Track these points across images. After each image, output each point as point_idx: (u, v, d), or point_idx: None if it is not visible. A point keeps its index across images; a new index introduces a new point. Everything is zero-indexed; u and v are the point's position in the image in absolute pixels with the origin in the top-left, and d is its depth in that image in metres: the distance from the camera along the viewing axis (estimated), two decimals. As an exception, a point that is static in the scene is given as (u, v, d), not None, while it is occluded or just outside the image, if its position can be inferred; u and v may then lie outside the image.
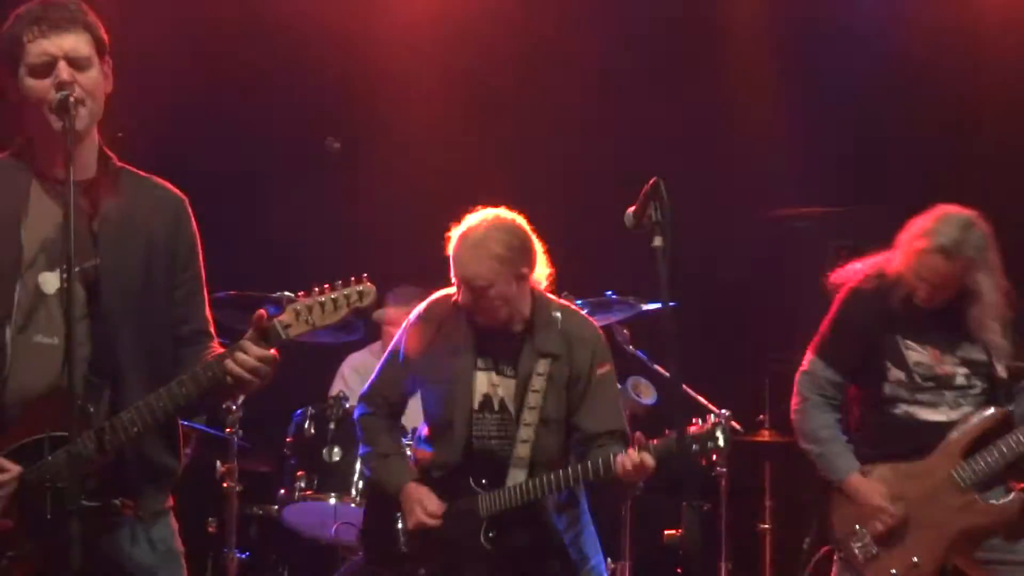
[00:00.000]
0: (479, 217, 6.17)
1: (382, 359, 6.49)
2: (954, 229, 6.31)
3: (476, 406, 6.19)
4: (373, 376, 6.45)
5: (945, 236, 6.29)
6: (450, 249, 6.10)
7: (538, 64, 8.99)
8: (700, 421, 5.68)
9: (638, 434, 5.80)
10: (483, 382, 6.21)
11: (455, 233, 6.13)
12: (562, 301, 6.37)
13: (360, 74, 8.75)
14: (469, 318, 6.18)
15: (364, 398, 6.44)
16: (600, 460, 5.84)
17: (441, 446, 6.22)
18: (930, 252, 6.29)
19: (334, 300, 4.64)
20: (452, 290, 6.23)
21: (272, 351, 4.59)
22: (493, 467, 6.12)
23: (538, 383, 6.14)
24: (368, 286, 4.68)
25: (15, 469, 4.55)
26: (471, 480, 6.09)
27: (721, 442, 5.68)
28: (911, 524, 6.32)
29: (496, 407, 6.20)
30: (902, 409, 6.40)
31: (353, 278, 4.66)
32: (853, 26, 9.11)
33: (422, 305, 6.39)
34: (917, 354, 6.38)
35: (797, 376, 6.57)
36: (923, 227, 6.36)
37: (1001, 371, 6.40)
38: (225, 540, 7.49)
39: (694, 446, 5.66)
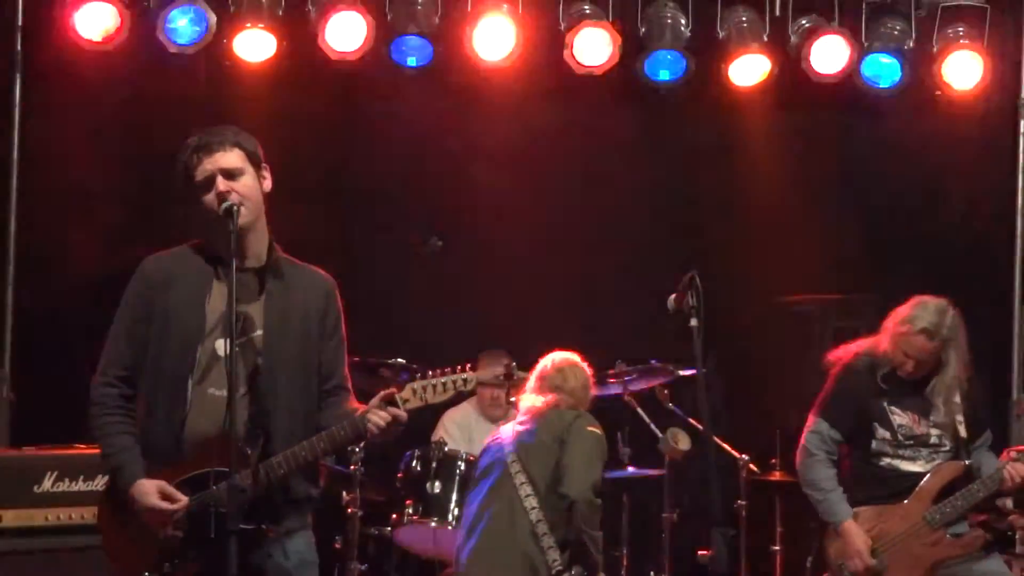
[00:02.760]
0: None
1: None
2: (933, 314, 6.32)
3: None
4: None
5: (926, 321, 6.30)
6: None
7: (599, 177, 9.04)
8: None
9: None
10: None
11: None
12: None
13: (460, 184, 8.80)
14: None
15: None
16: None
17: None
18: (915, 334, 6.30)
19: (444, 383, 4.80)
20: None
21: (403, 414, 4.74)
22: None
23: None
24: (470, 374, 4.85)
25: (184, 500, 4.66)
26: None
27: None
28: (894, 556, 6.28)
29: None
30: (886, 462, 6.41)
31: (459, 367, 4.83)
32: (854, 150, 9.15)
33: None
34: (900, 418, 6.38)
35: (805, 435, 6.55)
36: (906, 313, 6.38)
37: (962, 433, 6.38)
38: (348, 554, 7.51)
39: None
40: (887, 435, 6.39)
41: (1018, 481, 6.31)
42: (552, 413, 6.69)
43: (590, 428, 6.64)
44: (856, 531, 6.33)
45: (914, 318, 6.35)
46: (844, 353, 6.59)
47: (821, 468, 6.45)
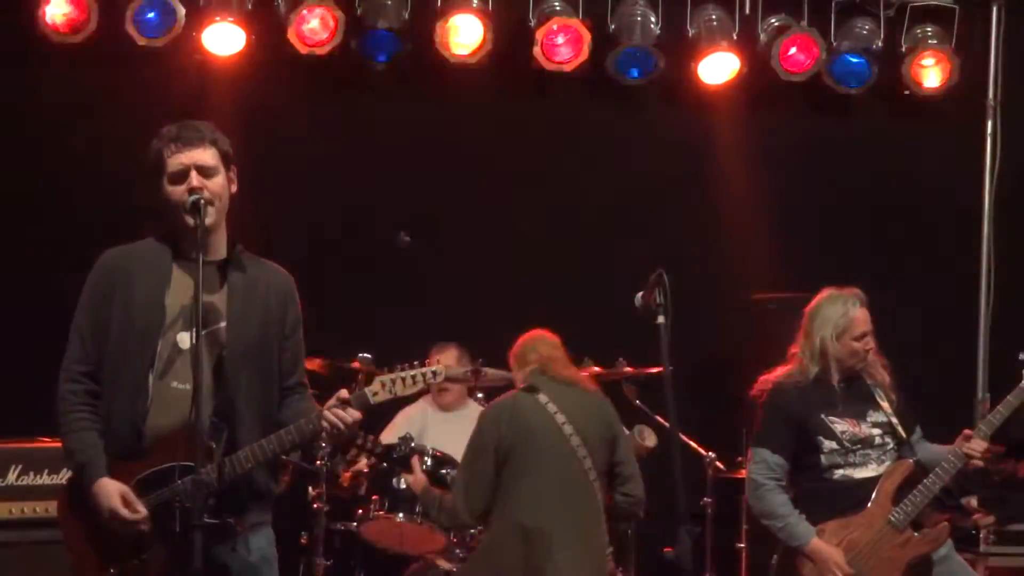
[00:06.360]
0: None
1: None
2: (849, 294, 6.38)
3: None
4: None
5: (852, 299, 6.36)
6: None
7: (566, 174, 9.03)
8: None
9: None
10: None
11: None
12: None
13: (428, 180, 8.78)
14: None
15: None
16: None
17: None
18: (859, 316, 6.32)
19: (413, 376, 4.78)
20: None
21: (359, 415, 4.71)
22: None
23: None
24: (440, 367, 4.83)
25: (144, 512, 4.65)
26: None
27: None
28: (869, 564, 6.23)
29: None
30: (840, 474, 6.27)
31: (427, 360, 4.80)
32: (822, 149, 9.19)
33: None
34: (840, 425, 6.26)
35: (749, 468, 6.42)
36: (838, 313, 6.34)
37: (900, 431, 6.36)
38: (314, 549, 7.50)
39: None
40: (834, 445, 6.25)
41: (979, 453, 6.31)
42: (596, 399, 6.75)
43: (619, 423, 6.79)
44: (825, 547, 6.19)
45: (845, 306, 6.35)
46: (764, 383, 6.47)
47: (773, 496, 6.29)
